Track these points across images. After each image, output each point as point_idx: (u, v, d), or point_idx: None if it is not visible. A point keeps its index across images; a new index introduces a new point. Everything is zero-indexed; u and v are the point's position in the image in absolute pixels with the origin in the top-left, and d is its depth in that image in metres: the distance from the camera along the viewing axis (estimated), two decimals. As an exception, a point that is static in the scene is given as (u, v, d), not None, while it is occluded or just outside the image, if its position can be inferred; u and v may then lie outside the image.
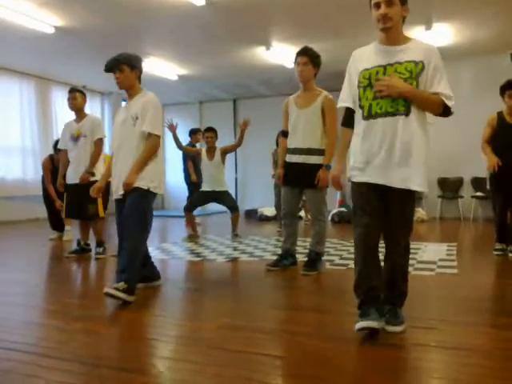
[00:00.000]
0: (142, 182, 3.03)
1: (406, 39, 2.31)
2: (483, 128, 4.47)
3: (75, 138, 4.59)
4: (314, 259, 3.80)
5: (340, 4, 5.96)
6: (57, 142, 5.95)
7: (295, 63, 3.76)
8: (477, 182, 8.25)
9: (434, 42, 7.59)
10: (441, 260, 4.20)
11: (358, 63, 2.36)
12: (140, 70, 3.25)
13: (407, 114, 2.23)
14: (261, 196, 9.35)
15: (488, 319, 2.53)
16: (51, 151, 6.14)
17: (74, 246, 4.92)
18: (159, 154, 3.17)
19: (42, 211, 6.46)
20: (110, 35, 7.13)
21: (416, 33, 7.16)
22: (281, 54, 8.02)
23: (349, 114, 2.40)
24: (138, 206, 3.02)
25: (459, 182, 8.53)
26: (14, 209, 8.64)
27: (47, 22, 6.48)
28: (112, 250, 4.85)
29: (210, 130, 5.98)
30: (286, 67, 8.67)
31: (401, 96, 2.20)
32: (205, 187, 5.96)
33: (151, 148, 3.06)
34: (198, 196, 6.03)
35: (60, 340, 2.28)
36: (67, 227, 5.93)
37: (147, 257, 3.31)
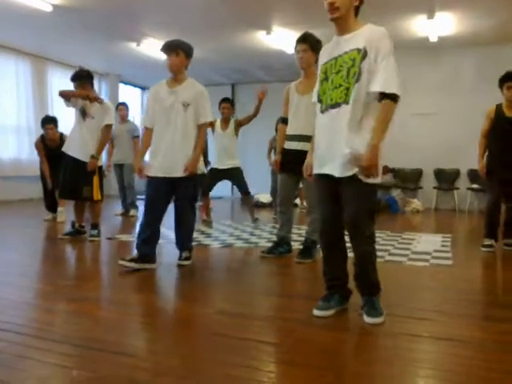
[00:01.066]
0: (199, 169, 3.44)
1: (356, 26, 2.24)
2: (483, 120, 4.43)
3: (84, 114, 4.49)
4: (310, 247, 3.79)
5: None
6: (44, 119, 5.93)
7: (295, 50, 3.72)
8: (473, 174, 8.24)
9: (435, 31, 7.61)
10: (435, 251, 4.21)
11: (321, 59, 2.40)
12: (190, 61, 3.47)
13: (347, 102, 2.19)
14: (257, 183, 9.30)
15: (481, 311, 2.54)
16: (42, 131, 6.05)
17: (69, 228, 4.89)
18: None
19: (36, 191, 6.42)
20: (109, 15, 7.02)
21: (418, 21, 7.10)
22: (281, 39, 7.94)
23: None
24: (195, 191, 3.51)
25: (456, 174, 8.54)
26: (8, 188, 8.59)
27: (45, -1, 6.37)
28: (107, 233, 4.84)
29: (226, 100, 5.89)
30: (287, 53, 8.58)
31: (376, 158, 2.13)
32: (216, 164, 5.82)
33: (203, 136, 3.50)
34: (210, 175, 5.74)
35: (52, 321, 2.27)
36: (60, 208, 5.86)
37: (156, 236, 3.44)
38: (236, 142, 5.89)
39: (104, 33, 7.83)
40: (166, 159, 3.34)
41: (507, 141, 4.20)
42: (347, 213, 2.26)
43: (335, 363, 1.86)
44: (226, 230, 5.52)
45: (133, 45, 8.33)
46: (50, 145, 5.88)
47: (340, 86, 2.22)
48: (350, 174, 2.19)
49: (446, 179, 8.62)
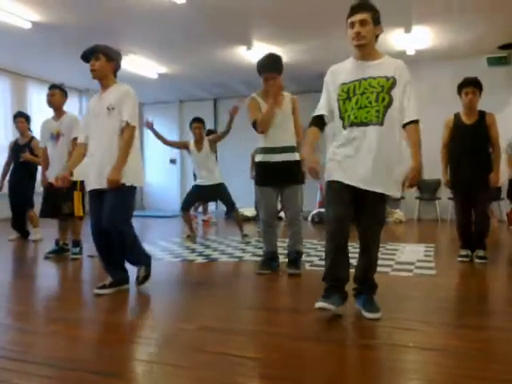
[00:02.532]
0: (124, 179, 3.04)
1: (379, 55, 2.56)
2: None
3: (55, 137, 4.48)
4: (297, 258, 3.79)
5: (322, 4, 5.97)
6: (16, 113, 5.95)
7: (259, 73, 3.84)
8: (454, 184, 8.36)
9: (413, 45, 7.76)
10: (419, 261, 4.23)
11: (336, 78, 2.58)
12: (117, 64, 3.24)
13: (380, 124, 2.47)
14: (240, 196, 9.29)
15: (464, 320, 2.54)
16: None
17: (52, 246, 4.81)
18: (135, 144, 3.16)
19: (4, 210, 6.31)
20: (89, 32, 7.00)
21: (395, 35, 7.24)
22: (262, 53, 7.98)
23: (319, 120, 2.62)
24: (125, 203, 3.12)
25: (437, 184, 8.64)
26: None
27: (24, 16, 6.33)
28: (88, 250, 4.76)
29: (197, 120, 5.86)
30: (267, 67, 8.65)
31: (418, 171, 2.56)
32: (198, 181, 5.81)
33: (129, 139, 3.06)
34: (192, 192, 5.83)
35: (30, 343, 2.21)
36: (35, 229, 5.80)
37: (122, 260, 3.26)
38: (214, 159, 5.90)
39: (83, 49, 7.79)
40: (97, 171, 3.07)
41: (467, 148, 4.12)
42: (369, 222, 2.56)
43: (322, 377, 1.83)
44: (210, 244, 5.48)
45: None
46: (21, 141, 5.84)
47: (366, 106, 2.47)
48: (378, 190, 2.48)
49: (428, 189, 8.72)
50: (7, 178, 6.00)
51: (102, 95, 3.14)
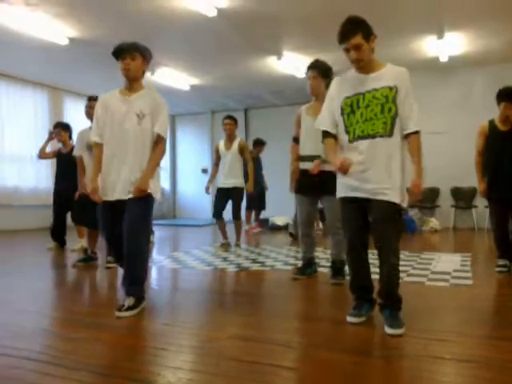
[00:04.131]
0: (152, 190, 2.91)
1: (380, 66, 2.54)
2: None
3: (91, 148, 4.59)
4: (341, 268, 3.74)
5: (351, 12, 5.94)
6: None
7: (306, 76, 3.76)
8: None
9: (445, 51, 7.65)
10: (455, 271, 4.13)
11: (340, 91, 2.59)
12: (147, 67, 3.04)
13: (389, 135, 2.46)
14: (272, 205, 9.32)
15: (502, 332, 2.46)
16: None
17: (81, 255, 4.93)
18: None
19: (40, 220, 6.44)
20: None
21: (428, 42, 7.15)
22: (292, 63, 8.04)
23: (328, 132, 2.64)
24: (146, 214, 2.92)
25: (473, 192, 8.42)
26: (27, 217, 8.73)
27: (61, 33, 6.57)
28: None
29: (229, 117, 5.84)
30: (297, 77, 8.68)
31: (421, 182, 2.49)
32: (220, 183, 5.80)
33: (161, 153, 2.94)
34: (217, 197, 5.79)
35: (68, 348, 2.26)
36: (81, 239, 5.90)
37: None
38: (241, 162, 5.80)
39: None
40: (119, 178, 2.86)
41: (503, 156, 4.04)
42: (381, 231, 2.50)
43: (355, 387, 1.81)
44: (241, 253, 5.49)
45: (147, 74, 8.50)
46: (63, 150, 5.98)
47: (371, 119, 2.47)
48: (385, 198, 2.47)
49: (464, 197, 8.52)
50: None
51: (130, 97, 2.91)
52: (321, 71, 3.69)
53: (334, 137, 2.63)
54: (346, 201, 2.62)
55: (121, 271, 4.38)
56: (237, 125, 5.87)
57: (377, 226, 2.53)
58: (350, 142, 2.54)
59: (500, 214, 4.14)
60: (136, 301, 2.86)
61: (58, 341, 2.42)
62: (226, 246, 5.77)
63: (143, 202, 2.86)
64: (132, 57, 2.87)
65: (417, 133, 2.47)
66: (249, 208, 8.69)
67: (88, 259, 4.80)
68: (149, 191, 2.87)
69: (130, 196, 2.84)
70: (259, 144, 8.70)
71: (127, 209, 2.84)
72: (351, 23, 2.47)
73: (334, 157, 2.57)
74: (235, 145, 5.75)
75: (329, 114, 2.63)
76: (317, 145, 3.65)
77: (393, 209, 2.49)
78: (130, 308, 2.82)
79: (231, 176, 5.70)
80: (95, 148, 3.01)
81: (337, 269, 3.75)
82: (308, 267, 3.90)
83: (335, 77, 2.72)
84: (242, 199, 5.81)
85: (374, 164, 2.47)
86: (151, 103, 2.91)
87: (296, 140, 3.90)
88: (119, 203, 2.87)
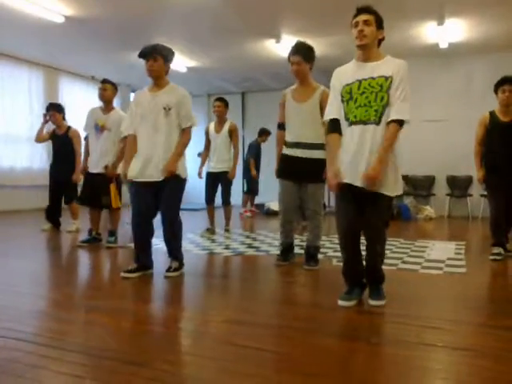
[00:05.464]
0: (181, 172, 3.36)
1: (380, 56, 2.63)
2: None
3: (99, 129, 4.61)
4: (315, 253, 3.81)
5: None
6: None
7: (289, 61, 3.74)
8: (486, 181, 8.17)
9: (446, 38, 7.60)
10: (449, 259, 4.16)
11: (340, 80, 2.68)
12: (170, 65, 3.43)
13: (377, 123, 2.53)
14: (268, 190, 9.31)
15: (497, 320, 2.49)
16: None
17: (85, 236, 4.93)
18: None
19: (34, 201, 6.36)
20: (120, 26, 7.10)
21: (428, 28, 7.09)
22: (291, 47, 7.95)
23: (335, 124, 2.68)
24: (179, 193, 3.43)
25: (468, 181, 8.46)
26: (21, 198, 8.69)
27: (57, 11, 6.47)
28: (124, 241, 4.88)
29: (220, 99, 5.78)
30: (296, 61, 8.60)
31: (378, 172, 2.49)
32: (209, 167, 5.77)
33: (187, 140, 3.41)
34: (207, 182, 5.78)
35: (66, 331, 2.28)
36: (75, 221, 5.91)
37: (150, 244, 3.50)
38: (230, 145, 5.74)
39: (115, 43, 7.92)
40: (148, 163, 3.31)
41: (504, 146, 4.12)
42: (369, 219, 2.60)
43: (348, 373, 1.83)
44: (237, 238, 5.51)
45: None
46: (58, 131, 5.87)
47: (365, 105, 2.55)
48: (375, 189, 2.54)
49: (459, 186, 8.55)
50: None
51: (157, 93, 3.32)
52: (303, 55, 3.67)
53: (340, 130, 2.65)
54: (343, 187, 2.63)
55: (121, 253, 4.41)
56: (227, 107, 5.79)
57: (366, 215, 2.61)
58: (348, 127, 2.61)
59: (498, 202, 4.20)
60: (179, 264, 3.45)
61: (54, 323, 2.43)
62: (211, 232, 5.75)
63: (176, 183, 3.34)
64: (154, 58, 3.28)
65: (396, 122, 2.51)
66: (248, 192, 8.79)
67: (92, 240, 4.82)
68: (177, 173, 3.32)
69: (160, 179, 3.28)
70: (265, 133, 8.76)
71: (164, 190, 3.31)
72: (369, 6, 2.63)
73: (330, 164, 2.69)
74: (225, 128, 5.70)
75: (336, 104, 2.67)
76: (305, 131, 3.67)
77: (382, 200, 2.58)
78: (176, 269, 3.41)
79: (221, 160, 5.67)
80: (130, 138, 3.42)
81: (311, 254, 3.80)
82: (290, 252, 3.93)
83: (336, 68, 2.76)
84: (231, 184, 5.80)
85: (365, 150, 2.54)
86: (177, 98, 3.33)
87: (281, 126, 3.87)
88: (151, 185, 3.32)
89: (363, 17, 2.57)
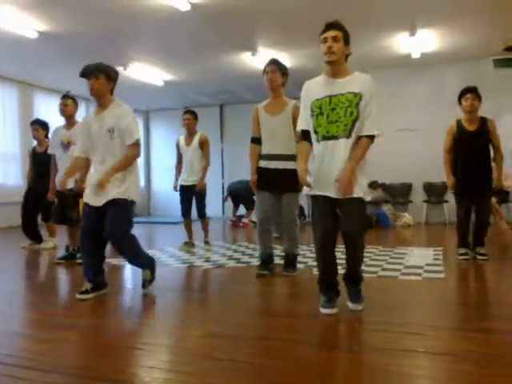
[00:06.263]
0: (126, 194, 3.18)
1: (348, 72, 2.69)
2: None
3: (65, 146, 4.57)
4: (293, 260, 3.90)
5: (325, 10, 5.98)
6: (32, 121, 5.90)
7: (264, 72, 3.90)
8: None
9: (418, 48, 7.75)
10: (427, 265, 4.20)
11: (310, 94, 2.75)
12: (115, 83, 3.30)
13: (347, 136, 2.61)
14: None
15: (476, 324, 2.52)
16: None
17: (63, 252, 4.83)
18: (135, 164, 3.31)
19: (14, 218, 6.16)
20: (94, 40, 7.05)
21: (400, 38, 7.23)
22: (267, 59, 7.99)
23: (305, 134, 2.78)
24: (126, 216, 3.21)
25: (444, 187, 8.57)
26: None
27: (30, 26, 6.39)
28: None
29: (189, 112, 5.72)
30: (272, 73, 8.67)
31: (350, 179, 2.57)
32: (182, 180, 5.68)
33: (131, 157, 3.21)
34: (181, 196, 5.70)
35: (41, 350, 2.21)
36: (51, 238, 5.78)
37: (102, 265, 3.32)
38: (202, 157, 5.64)
39: (90, 58, 7.75)
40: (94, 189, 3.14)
41: (471, 154, 4.30)
42: (347, 224, 2.63)
43: (330, 383, 1.82)
44: (218, 250, 5.47)
45: (119, 69, 8.35)
46: (38, 149, 5.73)
47: (336, 121, 2.62)
48: (348, 195, 2.59)
49: (435, 192, 8.67)
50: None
51: (102, 114, 3.22)
52: (279, 67, 3.85)
53: (310, 140, 2.76)
54: (318, 199, 2.72)
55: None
56: (197, 119, 5.73)
57: (343, 222, 2.66)
58: (318, 141, 2.70)
59: (466, 207, 4.44)
60: (151, 273, 3.35)
61: (30, 343, 2.36)
62: (189, 245, 5.66)
63: (119, 206, 3.15)
64: (96, 77, 3.16)
65: (368, 137, 2.61)
66: (247, 208, 8.86)
67: (69, 256, 4.72)
68: (125, 196, 3.17)
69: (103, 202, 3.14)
70: None
71: (107, 213, 3.13)
72: (337, 21, 2.70)
73: (302, 163, 2.74)
74: (196, 140, 5.62)
75: (305, 116, 2.77)
76: (279, 142, 3.76)
77: (357, 204, 2.64)
78: (150, 281, 3.33)
79: (193, 173, 5.60)
80: (74, 159, 3.38)
81: (289, 261, 3.89)
82: (270, 263, 3.94)
83: (306, 81, 2.86)
84: (204, 196, 5.71)
85: (337, 162, 2.62)
86: (117, 118, 3.17)
87: (255, 140, 3.92)
88: (100, 207, 3.17)
89: (332, 33, 2.63)
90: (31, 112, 9.47)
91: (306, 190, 2.95)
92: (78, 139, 3.39)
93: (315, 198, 2.74)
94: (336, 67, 2.66)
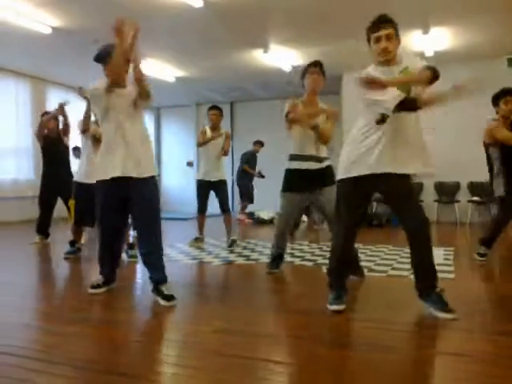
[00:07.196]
0: (152, 171, 3.08)
1: (398, 57, 2.60)
2: (496, 131, 4.16)
3: (96, 139, 4.57)
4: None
5: (337, 7, 5.96)
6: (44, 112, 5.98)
7: (308, 73, 3.69)
8: (474, 187, 8.25)
9: (431, 46, 7.68)
10: (438, 264, 4.12)
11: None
12: (129, 64, 3.23)
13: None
14: (258, 199, 9.32)
15: (487, 324, 2.50)
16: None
17: (69, 248, 4.87)
18: (151, 139, 3.26)
19: (34, 212, 6.19)
20: (107, 36, 7.08)
21: (413, 36, 7.18)
22: (278, 56, 8.01)
23: None
24: (156, 195, 3.14)
25: (456, 187, 8.53)
26: (7, 210, 8.58)
27: (44, 22, 6.45)
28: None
29: (215, 107, 5.72)
30: (284, 70, 8.66)
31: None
32: (202, 175, 5.60)
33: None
34: (199, 191, 5.64)
35: (52, 343, 2.24)
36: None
37: (118, 259, 3.32)
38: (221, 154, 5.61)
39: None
40: (132, 160, 3.05)
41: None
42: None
43: (341, 381, 1.82)
44: (227, 247, 5.47)
45: (131, 66, 8.38)
46: (49, 134, 5.76)
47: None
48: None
49: (447, 192, 8.61)
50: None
51: (123, 91, 3.11)
52: (322, 70, 3.73)
53: None
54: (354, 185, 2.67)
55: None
56: (222, 116, 5.74)
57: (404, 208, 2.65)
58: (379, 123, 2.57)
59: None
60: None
61: (41, 335, 2.39)
62: (199, 241, 5.66)
63: (151, 185, 3.08)
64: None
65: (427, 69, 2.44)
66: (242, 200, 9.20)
67: (78, 251, 4.77)
68: (151, 174, 3.07)
69: (141, 176, 3.04)
70: (259, 143, 9.20)
71: (142, 189, 3.04)
72: (386, 16, 2.56)
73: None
74: (220, 136, 5.63)
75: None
76: (310, 145, 3.70)
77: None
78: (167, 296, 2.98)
79: (216, 169, 5.56)
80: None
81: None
82: (280, 260, 3.96)
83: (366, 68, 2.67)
84: (227, 191, 5.70)
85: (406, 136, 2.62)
86: (134, 87, 3.15)
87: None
88: (125, 184, 3.02)
89: (385, 31, 2.52)
90: (44, 107, 9.54)
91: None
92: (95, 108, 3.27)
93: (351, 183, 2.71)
94: (392, 59, 2.57)
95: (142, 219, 3.07)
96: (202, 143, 5.59)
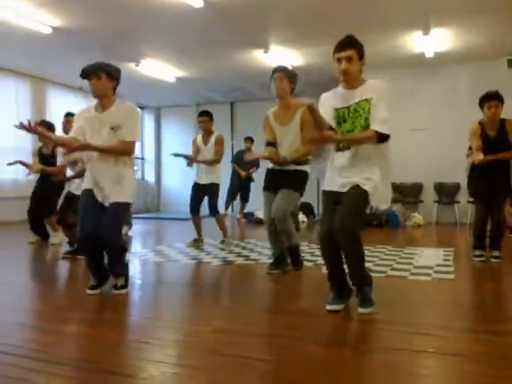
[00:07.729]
0: (124, 197, 3.14)
1: (362, 82, 2.66)
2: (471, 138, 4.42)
3: (71, 163, 4.69)
4: (292, 252, 3.92)
5: (338, 7, 5.95)
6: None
7: (271, 79, 3.86)
8: (473, 188, 8.24)
9: (431, 47, 7.68)
10: (437, 265, 4.17)
11: (329, 101, 2.73)
12: (117, 82, 3.21)
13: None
14: (257, 199, 9.31)
15: (485, 325, 2.49)
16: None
17: (67, 247, 4.87)
18: (132, 165, 3.30)
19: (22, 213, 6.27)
20: (107, 36, 7.09)
21: (414, 38, 7.18)
22: (279, 57, 8.00)
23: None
24: (121, 217, 3.21)
25: (456, 187, 8.52)
26: (7, 210, 8.57)
27: (44, 22, 6.44)
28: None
29: (204, 113, 5.70)
30: (284, 70, 8.65)
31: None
32: (196, 178, 5.69)
33: (122, 148, 3.09)
34: (192, 192, 5.70)
35: (49, 342, 2.23)
36: (56, 233, 5.78)
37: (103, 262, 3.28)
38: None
39: (102, 54, 7.86)
40: (99, 186, 3.12)
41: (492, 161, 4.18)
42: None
43: (337, 381, 1.82)
44: (226, 247, 5.47)
45: (132, 65, 8.39)
46: (45, 151, 5.81)
47: (353, 130, 2.63)
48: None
49: (447, 193, 8.61)
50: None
51: (103, 113, 3.11)
52: (287, 74, 3.80)
53: None
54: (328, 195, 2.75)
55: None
56: (212, 120, 5.71)
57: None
58: (339, 150, 2.70)
59: (484, 209, 4.36)
60: (126, 280, 3.21)
61: (38, 335, 2.38)
62: (198, 242, 5.65)
63: (118, 206, 3.11)
64: (97, 76, 3.07)
65: (375, 132, 2.53)
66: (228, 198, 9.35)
67: (76, 251, 4.75)
68: (124, 200, 3.14)
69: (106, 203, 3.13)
70: (249, 140, 9.32)
71: (105, 212, 3.10)
72: (350, 38, 2.61)
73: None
74: (212, 140, 5.63)
75: (326, 116, 2.66)
76: (281, 148, 3.82)
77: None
78: (123, 287, 3.15)
79: (209, 173, 5.59)
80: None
81: (291, 255, 3.92)
82: (281, 261, 3.92)
83: (323, 93, 2.81)
84: (217, 195, 5.70)
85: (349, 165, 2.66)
86: (124, 114, 3.11)
87: (271, 144, 3.87)
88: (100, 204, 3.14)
89: (345, 53, 2.57)
90: (44, 107, 9.56)
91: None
92: (75, 127, 3.21)
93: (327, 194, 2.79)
94: (352, 81, 2.63)
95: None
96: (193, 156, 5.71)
